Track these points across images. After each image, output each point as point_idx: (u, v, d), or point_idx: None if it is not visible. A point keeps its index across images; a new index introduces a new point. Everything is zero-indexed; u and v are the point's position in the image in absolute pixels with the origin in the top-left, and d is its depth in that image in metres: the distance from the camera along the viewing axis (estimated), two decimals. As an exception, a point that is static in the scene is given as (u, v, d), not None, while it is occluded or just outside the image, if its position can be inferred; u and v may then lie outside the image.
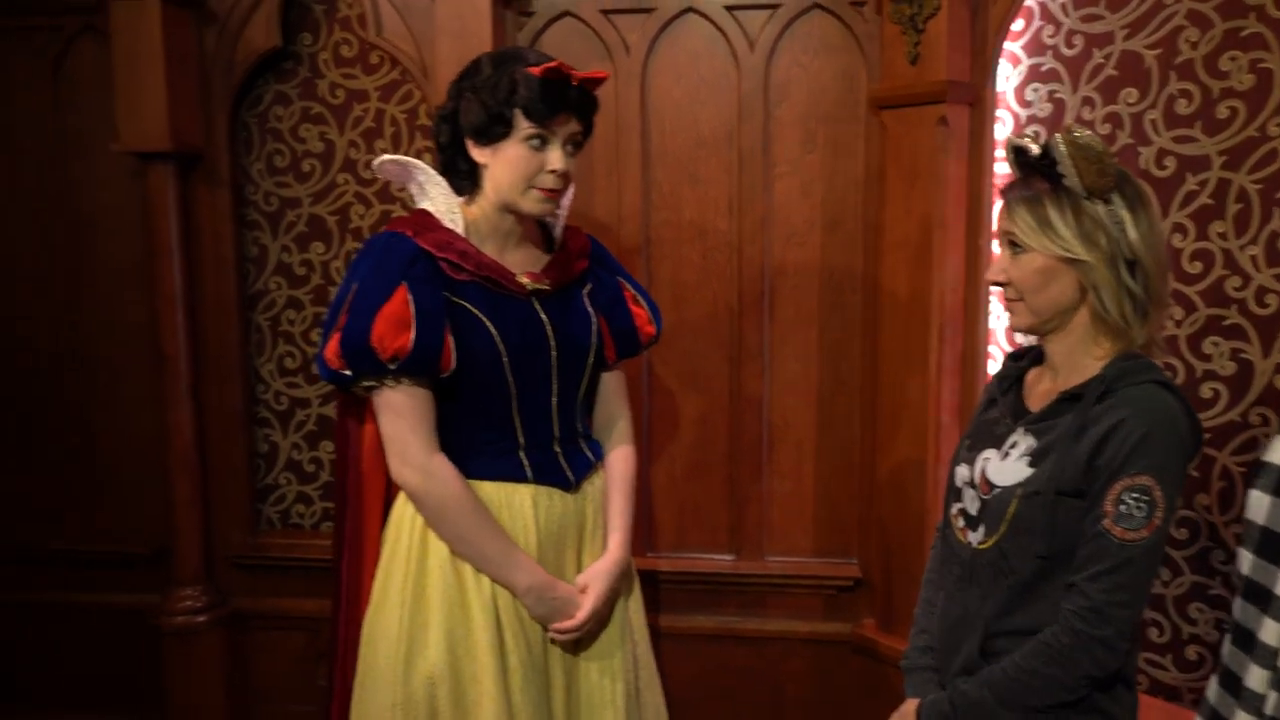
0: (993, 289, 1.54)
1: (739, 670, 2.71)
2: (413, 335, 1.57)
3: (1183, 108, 2.04)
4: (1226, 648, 1.12)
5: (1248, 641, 1.07)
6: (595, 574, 1.78)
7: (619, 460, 1.91)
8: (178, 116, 2.59)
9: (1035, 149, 1.43)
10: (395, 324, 1.57)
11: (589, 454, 1.87)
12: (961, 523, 1.56)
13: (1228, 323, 2.01)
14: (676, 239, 2.62)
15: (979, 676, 1.46)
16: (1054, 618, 1.41)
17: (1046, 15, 2.25)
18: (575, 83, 1.65)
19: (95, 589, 2.95)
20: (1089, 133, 1.38)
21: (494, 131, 1.65)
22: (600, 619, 1.79)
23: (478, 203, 1.73)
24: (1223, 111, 1.98)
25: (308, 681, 2.88)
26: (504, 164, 1.66)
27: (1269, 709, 1.04)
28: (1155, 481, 1.34)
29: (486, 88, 1.64)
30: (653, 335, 1.95)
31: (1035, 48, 2.28)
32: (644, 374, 2.65)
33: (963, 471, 1.57)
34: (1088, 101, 2.19)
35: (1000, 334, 2.41)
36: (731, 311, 2.62)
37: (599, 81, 1.69)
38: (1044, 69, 2.26)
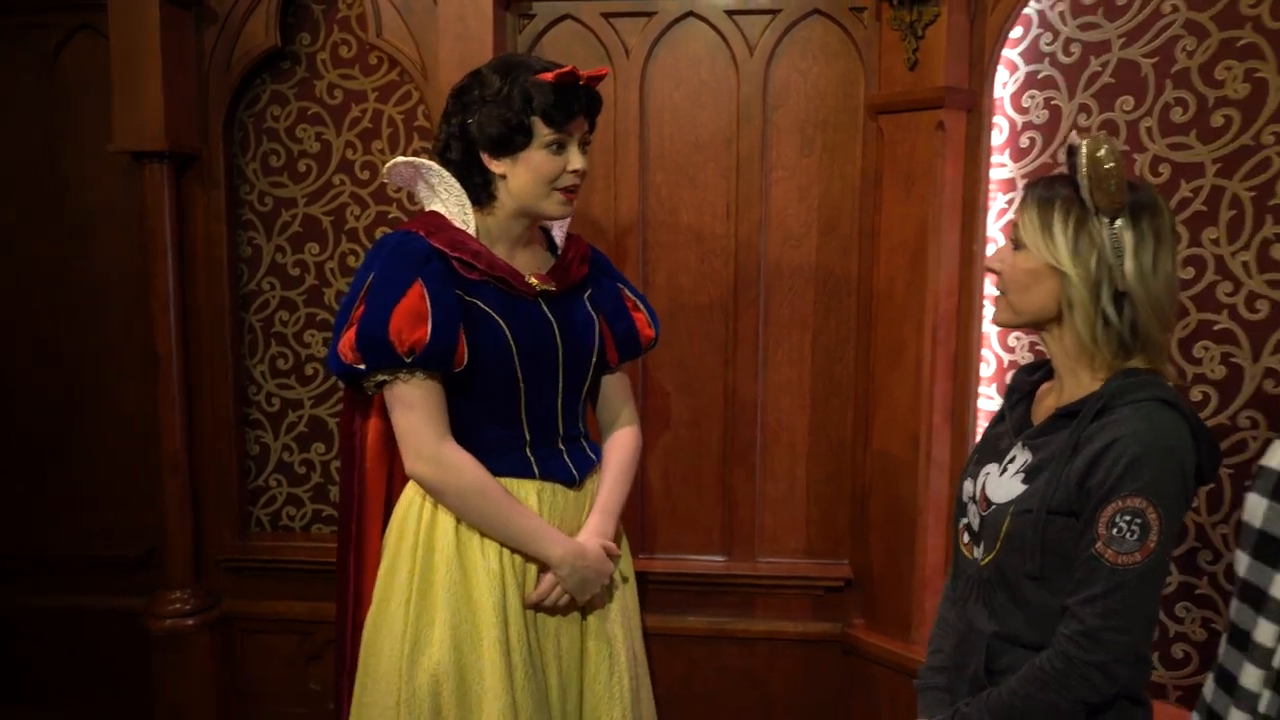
0: (988, 277, 1.54)
1: (729, 670, 2.73)
2: (429, 328, 1.59)
3: (1178, 116, 2.07)
4: (1223, 647, 1.14)
5: (1243, 641, 1.09)
6: (586, 532, 1.80)
7: (617, 445, 1.93)
8: (174, 116, 2.58)
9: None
10: (412, 317, 1.58)
11: (590, 454, 1.89)
12: (966, 538, 1.56)
13: (1218, 327, 2.05)
14: (674, 242, 2.64)
15: (979, 700, 1.45)
16: (1053, 630, 1.39)
17: (1045, 23, 2.28)
18: (583, 83, 1.68)
19: (84, 592, 2.92)
20: (1110, 150, 1.35)
21: (515, 142, 1.67)
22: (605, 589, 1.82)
23: (492, 210, 1.75)
24: (1217, 120, 2.01)
25: (298, 684, 2.87)
26: (526, 172, 1.69)
27: (1263, 707, 1.06)
28: (1149, 503, 1.30)
29: (500, 100, 1.66)
30: (652, 338, 1.99)
31: (1033, 55, 2.31)
32: (639, 376, 2.66)
33: (968, 486, 1.57)
34: (1084, 109, 2.22)
35: (993, 338, 2.44)
36: (727, 314, 2.64)
37: (601, 79, 1.73)
38: (1041, 76, 2.30)
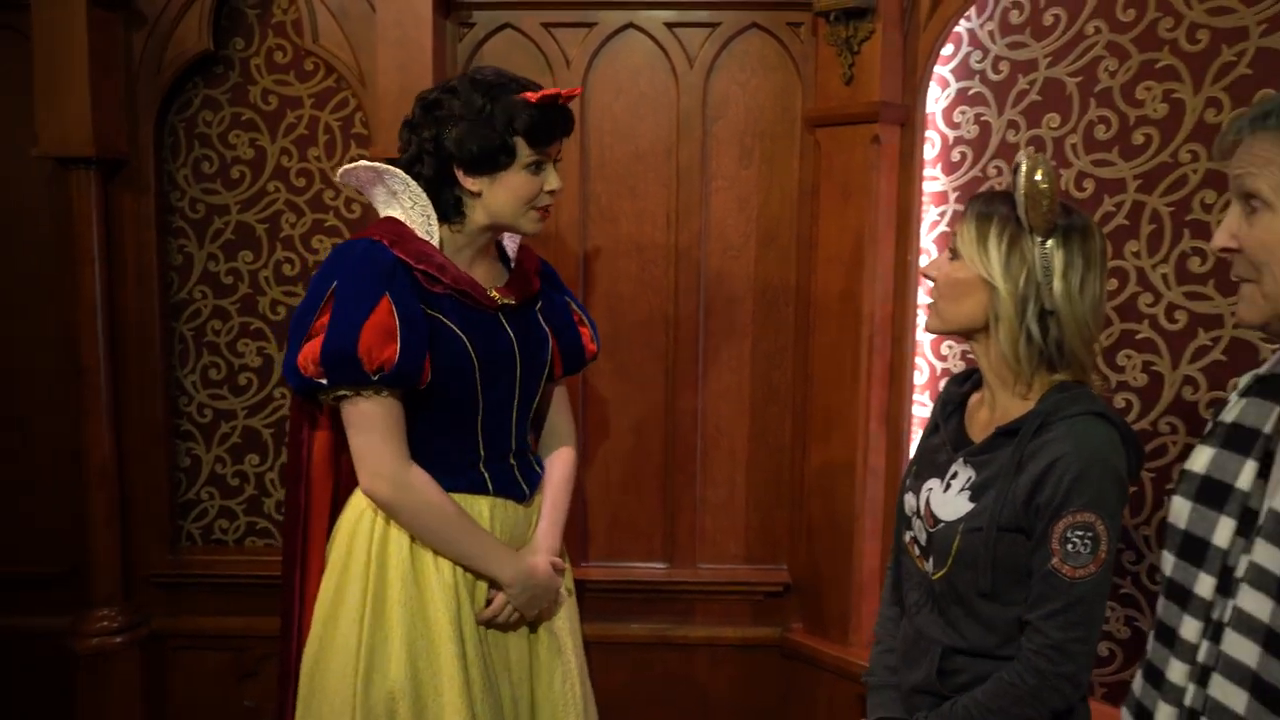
0: (924, 281, 1.59)
1: (670, 677, 2.74)
2: (398, 347, 1.57)
3: (1101, 133, 2.15)
4: (1150, 644, 1.19)
5: (1169, 638, 1.14)
6: (533, 550, 1.83)
7: (558, 463, 1.96)
8: (102, 121, 2.51)
9: None
10: (382, 335, 1.56)
11: (537, 468, 1.91)
12: (916, 551, 1.60)
13: (1140, 336, 2.13)
14: (614, 251, 2.65)
15: (942, 713, 1.49)
16: (1007, 641, 1.46)
17: (975, 41, 2.35)
18: (563, 103, 1.69)
19: (4, 611, 2.80)
20: (1046, 171, 1.40)
21: (497, 162, 1.66)
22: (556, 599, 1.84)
23: (460, 226, 1.73)
24: (1138, 138, 2.10)
25: (232, 702, 2.80)
26: (504, 191, 1.68)
27: (1188, 700, 1.11)
28: (1096, 516, 1.37)
29: (481, 119, 1.65)
30: (594, 353, 2.02)
31: (964, 72, 2.38)
32: (580, 385, 2.66)
33: (910, 500, 1.61)
34: (1013, 125, 2.30)
35: (926, 346, 2.51)
36: (667, 322, 2.66)
37: (574, 98, 1.73)
38: (971, 92, 2.37)
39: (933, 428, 1.66)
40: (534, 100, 1.64)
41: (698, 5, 2.55)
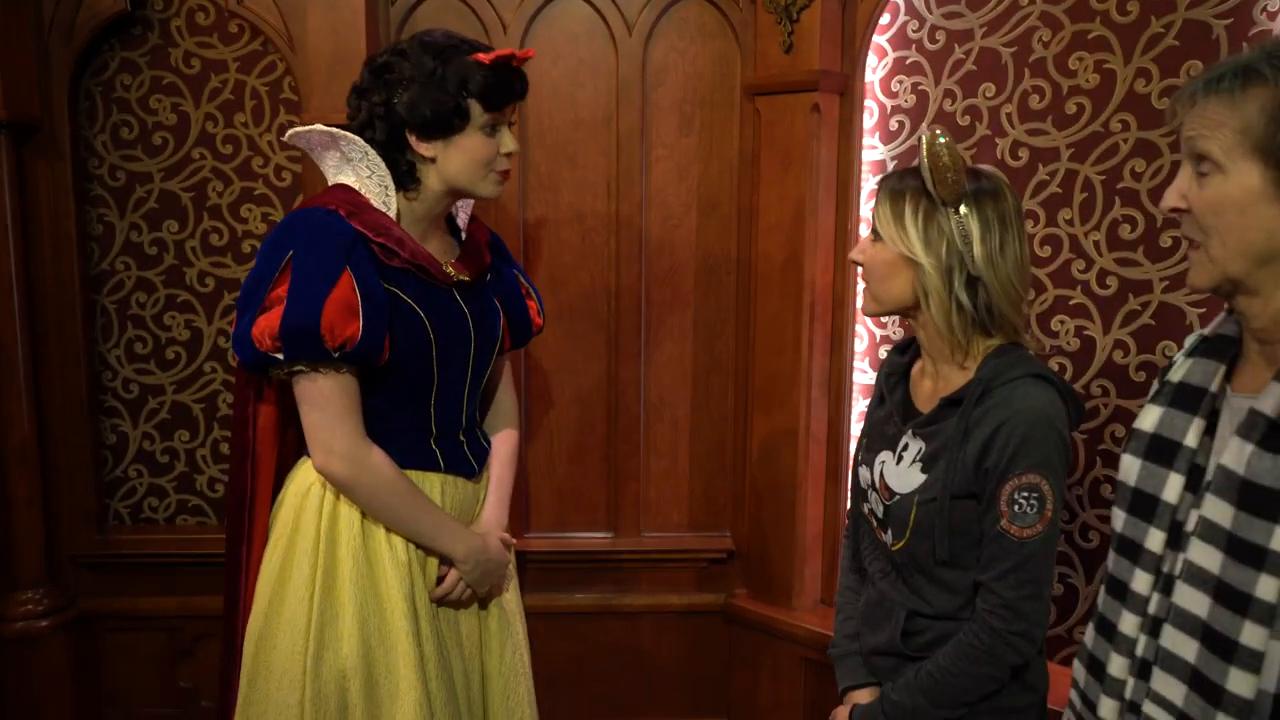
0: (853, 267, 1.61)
1: (615, 645, 2.76)
2: (360, 324, 1.53)
3: (1035, 103, 2.19)
4: (1102, 597, 1.23)
5: (1121, 591, 1.18)
6: (483, 526, 1.84)
7: (504, 440, 1.96)
8: (11, 83, 2.39)
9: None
10: (344, 311, 1.52)
11: (484, 442, 1.90)
12: (874, 522, 1.63)
13: (1073, 302, 2.18)
14: (555, 220, 2.62)
15: (907, 683, 1.53)
16: (968, 603, 1.50)
17: (911, 10, 2.37)
18: (517, 65, 1.65)
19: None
20: (947, 141, 1.43)
21: (451, 125, 1.62)
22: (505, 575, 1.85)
23: (416, 193, 1.69)
24: (1071, 107, 2.14)
25: (167, 683, 2.75)
26: (460, 154, 1.65)
27: (1139, 650, 1.15)
28: (1041, 477, 1.42)
29: (433, 81, 1.60)
30: (540, 326, 2.00)
31: (901, 41, 2.40)
32: (522, 356, 2.64)
33: (864, 474, 1.64)
34: (949, 94, 2.32)
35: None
36: (609, 293, 2.65)
37: (528, 59, 1.70)
38: (909, 62, 2.39)
39: (878, 399, 1.69)
40: (487, 62, 1.61)
41: (636, -30, 2.52)
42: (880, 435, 1.63)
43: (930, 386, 1.59)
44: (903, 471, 1.54)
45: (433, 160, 1.66)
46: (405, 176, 1.68)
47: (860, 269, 1.58)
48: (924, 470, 1.51)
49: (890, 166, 2.45)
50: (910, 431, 1.56)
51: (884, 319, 2.51)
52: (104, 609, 2.71)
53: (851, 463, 1.70)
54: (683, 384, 2.71)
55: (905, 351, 1.69)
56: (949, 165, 1.43)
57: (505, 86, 1.64)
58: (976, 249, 1.45)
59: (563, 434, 2.71)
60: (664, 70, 2.57)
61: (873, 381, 2.50)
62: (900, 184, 1.50)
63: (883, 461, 1.59)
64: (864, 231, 2.50)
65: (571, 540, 2.74)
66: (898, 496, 1.54)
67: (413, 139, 1.64)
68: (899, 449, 1.57)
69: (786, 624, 2.55)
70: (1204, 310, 1.99)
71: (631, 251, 2.62)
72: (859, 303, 2.51)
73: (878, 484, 1.59)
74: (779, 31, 2.41)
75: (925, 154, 1.43)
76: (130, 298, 2.67)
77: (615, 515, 2.74)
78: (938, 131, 1.44)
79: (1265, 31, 1.89)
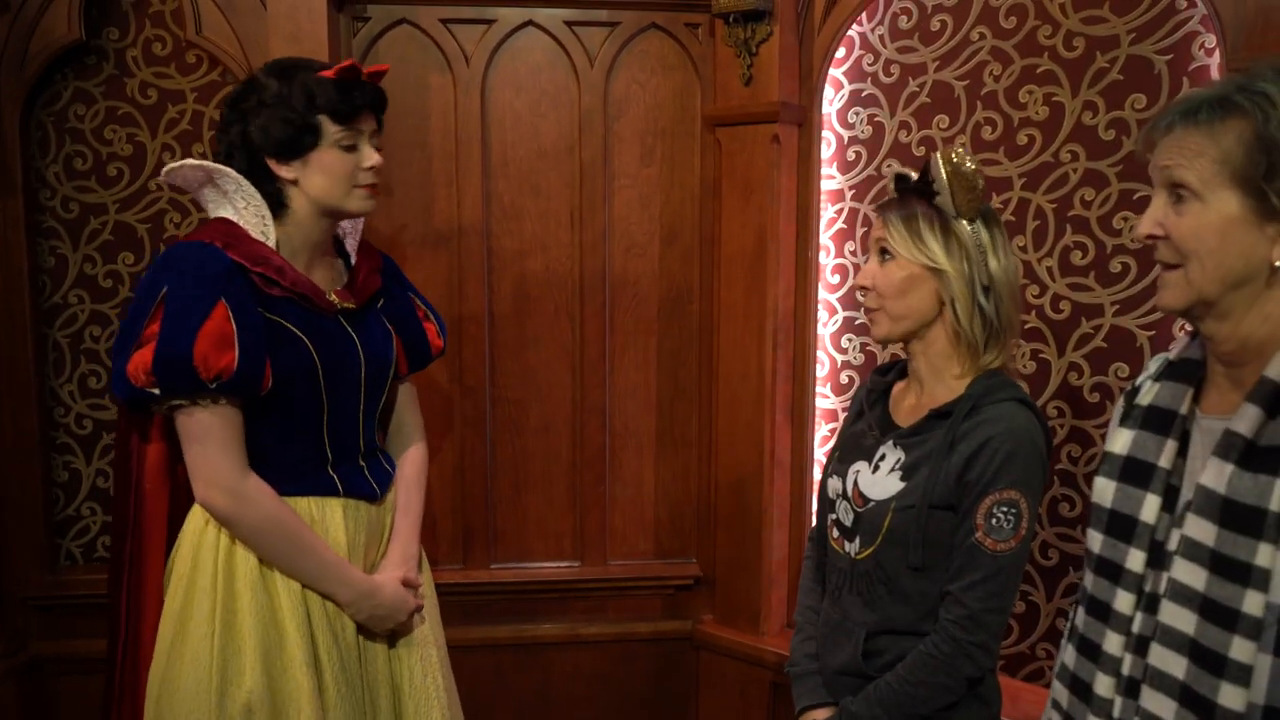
0: (858, 296, 1.65)
1: (583, 674, 2.75)
2: (236, 353, 1.52)
3: (987, 134, 2.26)
4: (1081, 618, 1.25)
5: (1103, 612, 1.21)
6: (390, 564, 1.81)
7: (409, 461, 1.95)
8: (-39, 113, 2.34)
9: (914, 175, 1.57)
10: (218, 342, 1.51)
11: (388, 466, 1.90)
12: (836, 533, 1.65)
13: (1029, 326, 2.25)
14: (519, 250, 2.63)
15: (866, 695, 1.55)
16: (928, 615, 1.53)
17: (866, 45, 2.43)
18: (365, 78, 1.66)
19: None
20: (966, 156, 1.52)
21: (303, 143, 1.63)
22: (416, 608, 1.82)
23: (287, 219, 1.69)
24: (1022, 138, 2.21)
25: (121, 727, 2.67)
26: (319, 173, 1.65)
27: (1125, 670, 1.18)
28: (1021, 494, 1.47)
29: (280, 102, 1.61)
30: (440, 348, 2.01)
31: (856, 75, 2.46)
32: (486, 385, 2.64)
33: (835, 484, 1.67)
34: (904, 125, 2.39)
35: (827, 340, 2.58)
36: (573, 321, 2.66)
37: (383, 74, 1.72)
38: (864, 94, 2.45)
39: (856, 414, 1.73)
40: (332, 76, 1.62)
41: (597, 4, 2.55)
42: (856, 447, 1.67)
43: (913, 402, 1.64)
44: (879, 479, 1.58)
45: (295, 182, 1.66)
46: (274, 203, 1.67)
47: (867, 295, 1.62)
48: (903, 478, 1.54)
49: (848, 196, 2.51)
50: (890, 442, 1.60)
51: (845, 345, 2.55)
52: (57, 652, 2.62)
53: (819, 480, 1.73)
54: (647, 412, 2.72)
55: (887, 373, 1.75)
56: (974, 174, 1.51)
57: (352, 98, 1.64)
58: (990, 259, 1.54)
59: (528, 463, 2.71)
60: (625, 101, 2.61)
61: (835, 407, 2.55)
62: (906, 209, 1.57)
63: (857, 471, 1.63)
64: (836, 260, 2.55)
65: (538, 570, 2.73)
66: (872, 503, 1.57)
67: (272, 163, 1.64)
68: (875, 459, 1.61)
69: (754, 649, 2.56)
70: (1154, 333, 2.07)
71: (595, 280, 2.64)
72: (819, 328, 2.56)
73: (850, 492, 1.62)
74: (738, 64, 2.46)
75: (944, 169, 1.50)
76: (84, 331, 2.62)
77: (581, 544, 2.74)
78: (955, 146, 1.52)
79: (1203, 67, 1.98)
